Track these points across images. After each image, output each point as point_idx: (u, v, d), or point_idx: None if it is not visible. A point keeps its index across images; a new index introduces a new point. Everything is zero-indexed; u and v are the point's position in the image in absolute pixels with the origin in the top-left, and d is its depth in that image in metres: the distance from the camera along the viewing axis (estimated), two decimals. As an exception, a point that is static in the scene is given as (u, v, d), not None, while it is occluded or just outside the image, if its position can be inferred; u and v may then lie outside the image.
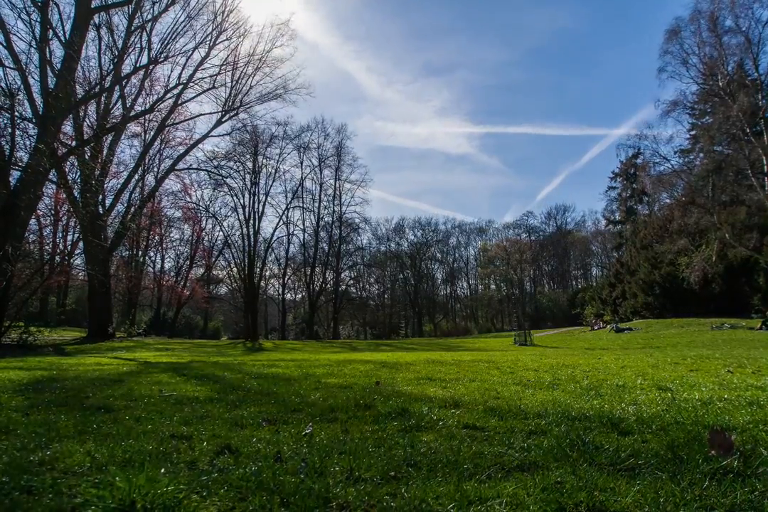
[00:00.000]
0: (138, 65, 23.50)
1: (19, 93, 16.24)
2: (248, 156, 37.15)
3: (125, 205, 28.31)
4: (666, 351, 11.76)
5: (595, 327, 30.54)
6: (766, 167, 24.26)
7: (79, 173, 23.00)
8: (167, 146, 32.77)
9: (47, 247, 32.12)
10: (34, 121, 16.56)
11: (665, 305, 30.42)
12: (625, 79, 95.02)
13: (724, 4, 25.05)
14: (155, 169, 33.85)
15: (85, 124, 23.44)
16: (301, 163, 43.30)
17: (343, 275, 48.53)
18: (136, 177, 29.10)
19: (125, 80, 23.94)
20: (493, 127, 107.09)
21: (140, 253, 38.22)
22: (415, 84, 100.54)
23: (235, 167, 36.09)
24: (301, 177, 43.37)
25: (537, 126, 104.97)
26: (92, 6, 19.04)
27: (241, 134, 34.56)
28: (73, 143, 20.97)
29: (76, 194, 22.58)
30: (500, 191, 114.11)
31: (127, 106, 24.69)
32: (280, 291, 47.25)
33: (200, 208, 37.54)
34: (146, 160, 30.93)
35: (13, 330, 14.56)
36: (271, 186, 40.03)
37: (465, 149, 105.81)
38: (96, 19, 21.08)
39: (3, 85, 15.77)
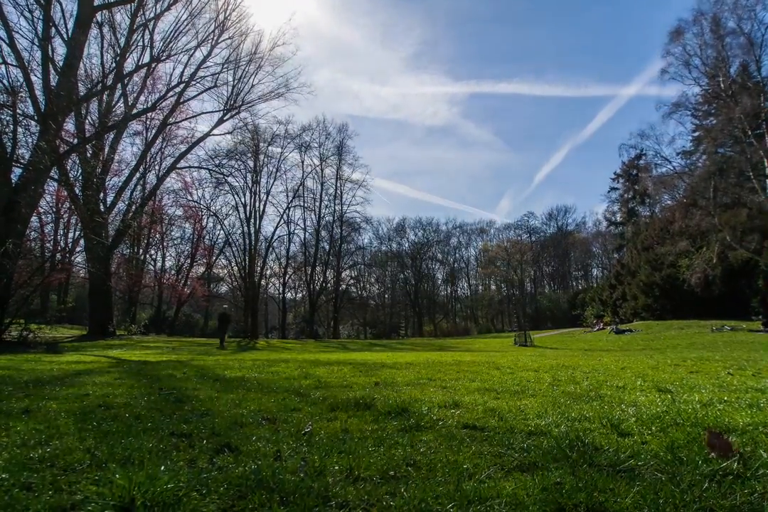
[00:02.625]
0: (140, 63, 23.50)
1: (21, 90, 16.25)
2: (249, 154, 37.25)
3: (126, 202, 28.34)
4: (666, 353, 11.75)
5: (595, 329, 30.51)
6: (767, 169, 24.24)
7: (80, 171, 23.03)
8: (169, 144, 32.80)
9: (48, 245, 32.17)
10: (35, 118, 16.55)
11: (665, 307, 30.40)
12: (635, 24, 77.34)
13: (726, 5, 25.02)
14: (157, 167, 33.88)
15: (86, 121, 23.45)
16: (302, 162, 43.31)
17: (343, 274, 48.54)
18: (138, 175, 29.11)
19: (127, 78, 23.93)
20: (479, 84, 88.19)
21: (141, 251, 38.21)
22: (377, 15, 79.91)
23: (236, 166, 36.21)
24: (302, 176, 43.39)
25: (532, 83, 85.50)
26: (95, 4, 19.05)
27: (242, 133, 34.63)
28: (75, 141, 20.97)
29: (77, 192, 22.60)
30: (492, 171, 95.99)
31: (129, 104, 24.70)
32: (281, 290, 47.25)
33: (201, 206, 37.59)
34: (148, 158, 30.96)
35: (14, 328, 14.57)
36: (272, 185, 40.14)
37: (447, 117, 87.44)
38: (98, 16, 21.07)
39: (5, 82, 15.79)
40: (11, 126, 15.08)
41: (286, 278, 47.14)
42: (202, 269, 43.87)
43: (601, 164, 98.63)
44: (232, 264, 40.46)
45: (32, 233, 24.00)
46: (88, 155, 22.15)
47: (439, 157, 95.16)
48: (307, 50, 66.11)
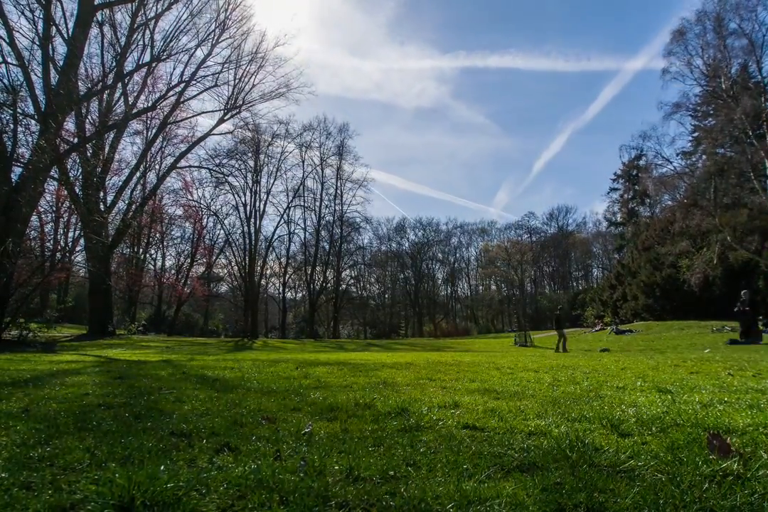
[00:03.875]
0: (141, 62, 23.53)
1: (22, 89, 16.27)
2: (250, 154, 37.35)
3: (126, 202, 28.34)
4: (666, 354, 11.74)
5: (596, 329, 30.51)
6: (767, 170, 24.24)
7: (80, 170, 23.03)
8: (169, 144, 32.84)
9: (48, 244, 32.19)
10: (36, 117, 16.56)
11: (666, 307, 30.39)
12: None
13: (729, 5, 25.03)
14: (157, 167, 33.93)
15: (87, 120, 23.47)
16: (303, 162, 43.39)
17: (343, 274, 48.59)
18: (138, 174, 29.13)
19: (127, 77, 23.94)
20: (469, 56, 79.55)
21: (141, 250, 38.26)
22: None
23: (236, 165, 36.31)
24: (303, 176, 43.46)
25: (527, 54, 76.45)
26: (95, 3, 19.05)
27: (242, 132, 34.65)
28: (75, 140, 20.97)
29: (77, 191, 22.62)
30: (488, 159, 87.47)
31: (130, 103, 24.70)
32: (281, 290, 47.31)
33: (201, 206, 37.66)
34: (148, 158, 30.98)
35: (14, 327, 14.58)
36: (272, 184, 40.25)
37: (436, 97, 79.06)
38: (99, 16, 21.08)
39: (5, 81, 15.82)
40: (11, 125, 15.10)
41: (286, 278, 47.20)
42: (202, 269, 43.93)
43: (605, 150, 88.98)
44: (232, 263, 40.56)
45: (32, 232, 24.05)
46: (89, 154, 22.15)
47: (431, 142, 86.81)
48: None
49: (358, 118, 79.01)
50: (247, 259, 37.53)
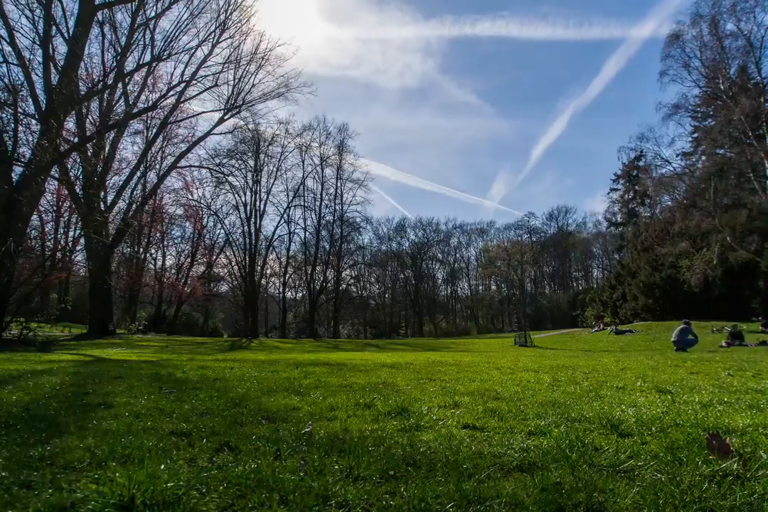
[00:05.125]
0: (141, 62, 23.53)
1: (22, 89, 16.27)
2: (250, 154, 37.35)
3: (127, 201, 28.37)
4: (666, 354, 11.74)
5: (595, 329, 30.51)
6: (767, 170, 24.27)
7: (81, 169, 23.03)
8: (169, 143, 32.86)
9: (49, 243, 32.18)
10: (36, 117, 16.56)
11: (666, 308, 30.38)
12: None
13: (724, 8, 25.07)
14: (157, 167, 33.95)
15: (87, 120, 23.50)
16: (303, 162, 43.38)
17: (343, 274, 48.59)
18: (138, 174, 29.15)
19: (128, 77, 23.95)
20: (456, 22, 66.92)
21: (141, 250, 38.28)
22: None
23: (236, 165, 36.31)
24: (303, 175, 43.45)
25: (522, 20, 65.84)
26: (96, 3, 19.05)
27: (242, 132, 34.71)
28: (76, 139, 20.98)
29: (78, 190, 22.62)
30: (483, 145, 77.44)
31: (130, 103, 24.70)
32: (281, 290, 47.33)
33: (202, 205, 37.67)
34: (148, 157, 30.99)
35: (14, 326, 14.59)
36: (272, 184, 40.25)
37: (422, 73, 67.66)
38: (99, 16, 21.08)
39: (6, 81, 15.79)
40: (12, 124, 15.09)
41: (287, 277, 47.21)
42: (202, 268, 43.92)
43: (609, 133, 77.36)
44: (233, 263, 40.53)
45: (33, 231, 24.09)
46: (89, 154, 22.14)
47: (421, 126, 78.00)
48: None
49: (337, 100, 68.73)
50: (248, 259, 37.54)
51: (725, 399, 3.54)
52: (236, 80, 28.28)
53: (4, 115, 15.11)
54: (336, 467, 1.97)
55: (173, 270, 43.18)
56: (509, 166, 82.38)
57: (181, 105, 27.30)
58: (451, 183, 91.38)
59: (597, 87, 66.67)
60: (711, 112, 29.53)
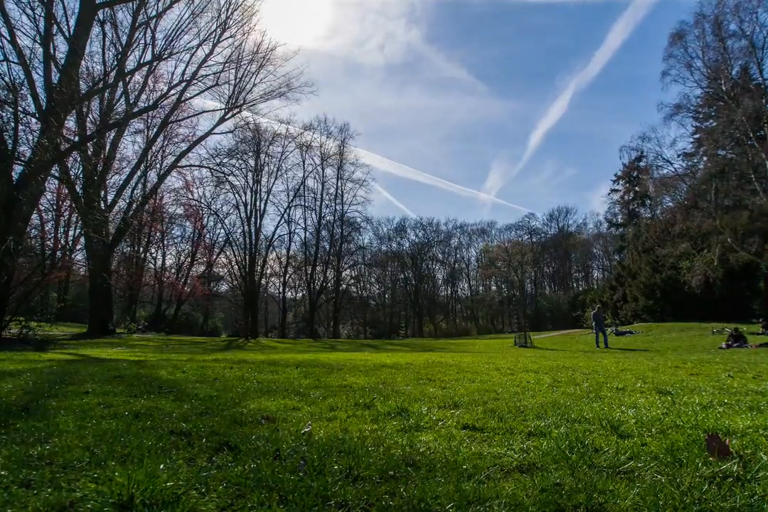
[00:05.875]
0: (142, 61, 23.54)
1: (23, 88, 16.26)
2: (250, 154, 37.36)
3: (127, 201, 28.35)
4: (666, 355, 11.73)
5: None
6: (769, 172, 24.25)
7: (81, 169, 23.03)
8: (170, 143, 32.83)
9: (49, 242, 32.17)
10: (37, 115, 16.56)
11: (666, 309, 30.35)
12: None
13: (728, 8, 25.06)
14: (158, 166, 33.92)
15: (88, 119, 23.48)
16: (303, 162, 43.37)
17: (344, 274, 48.58)
18: (139, 173, 29.13)
19: (129, 76, 23.94)
20: None
21: (141, 249, 38.25)
22: None
23: (237, 165, 36.29)
24: (303, 175, 43.43)
25: None
26: (97, 1, 19.05)
27: (243, 132, 34.72)
28: (76, 139, 20.97)
29: (78, 190, 22.62)
30: (476, 129, 69.01)
31: (131, 102, 24.70)
32: (281, 290, 47.32)
33: (202, 205, 37.66)
34: (149, 157, 30.98)
35: (14, 325, 14.59)
36: (273, 184, 40.23)
37: (407, 45, 59.82)
38: (100, 14, 21.09)
39: (7, 79, 15.77)
40: (12, 123, 15.07)
41: (287, 277, 47.21)
42: (202, 268, 43.91)
43: (615, 116, 67.58)
44: (233, 263, 40.52)
45: (33, 230, 24.07)
46: (89, 153, 22.15)
47: (409, 107, 71.27)
48: None
49: (320, 76, 61.20)
50: (248, 259, 37.53)
51: (725, 401, 3.53)
52: (237, 79, 28.30)
53: (4, 114, 15.11)
54: (335, 467, 1.97)
55: (173, 270, 43.18)
56: (506, 154, 75.96)
57: (182, 104, 27.31)
58: (443, 173, 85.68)
59: (600, 60, 57.74)
60: (713, 113, 29.52)
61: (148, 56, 23.58)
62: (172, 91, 25.70)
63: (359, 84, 63.40)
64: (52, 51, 17.80)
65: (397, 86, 65.35)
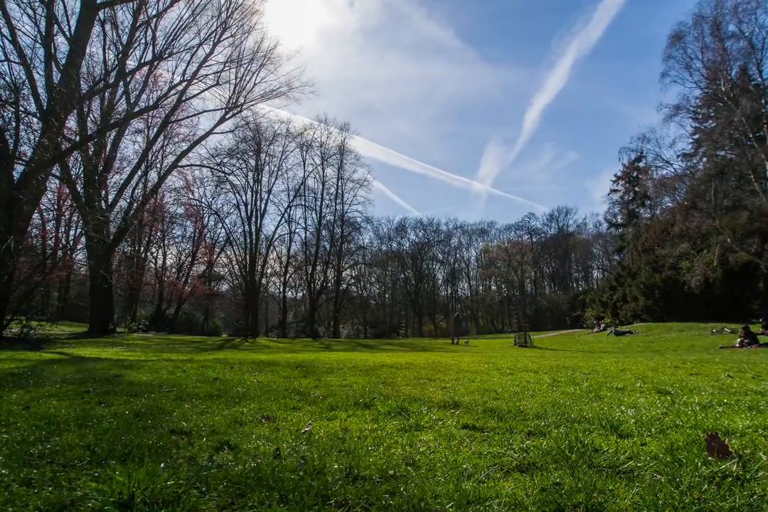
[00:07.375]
0: (142, 61, 23.51)
1: (24, 87, 16.24)
2: (251, 153, 37.36)
3: (128, 200, 28.34)
4: (666, 355, 11.73)
5: (595, 330, 30.50)
6: (768, 172, 24.25)
7: (82, 168, 23.04)
8: (170, 142, 32.80)
9: (49, 242, 32.17)
10: (38, 115, 16.56)
11: (665, 309, 30.35)
12: None
13: (726, 9, 25.04)
14: (158, 166, 33.89)
15: (89, 119, 23.47)
16: (304, 162, 43.35)
17: (344, 274, 48.58)
18: (139, 173, 29.11)
19: (129, 76, 23.93)
20: None
21: (142, 248, 38.25)
22: None
23: (237, 164, 36.32)
24: (304, 175, 43.42)
25: None
26: (98, 1, 19.05)
27: (244, 131, 34.71)
28: (77, 138, 20.97)
29: (79, 189, 22.62)
30: (467, 104, 60.30)
31: (131, 102, 24.68)
32: (281, 289, 47.33)
33: (202, 204, 37.69)
34: (149, 156, 30.95)
35: (15, 324, 14.59)
36: (273, 184, 40.22)
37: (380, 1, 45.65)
38: (101, 14, 21.06)
39: (8, 79, 15.77)
40: (13, 123, 15.08)
41: (287, 277, 47.21)
42: (202, 267, 43.92)
43: (624, 84, 56.30)
44: (233, 262, 40.56)
45: (34, 230, 24.03)
46: (90, 153, 22.14)
47: (391, 79, 61.57)
48: None
49: (283, 50, 51.91)
50: (248, 258, 37.55)
51: (725, 401, 3.53)
52: (238, 79, 28.27)
53: (5, 114, 15.12)
54: (336, 466, 1.97)
55: (174, 269, 43.15)
56: (500, 136, 67.36)
57: (182, 104, 27.29)
58: (432, 159, 75.28)
59: (603, 19, 47.51)
60: (712, 114, 29.51)
61: (149, 56, 23.57)
62: (173, 91, 25.69)
63: (329, 52, 54.71)
64: (53, 51, 17.78)
65: (376, 57, 55.71)
